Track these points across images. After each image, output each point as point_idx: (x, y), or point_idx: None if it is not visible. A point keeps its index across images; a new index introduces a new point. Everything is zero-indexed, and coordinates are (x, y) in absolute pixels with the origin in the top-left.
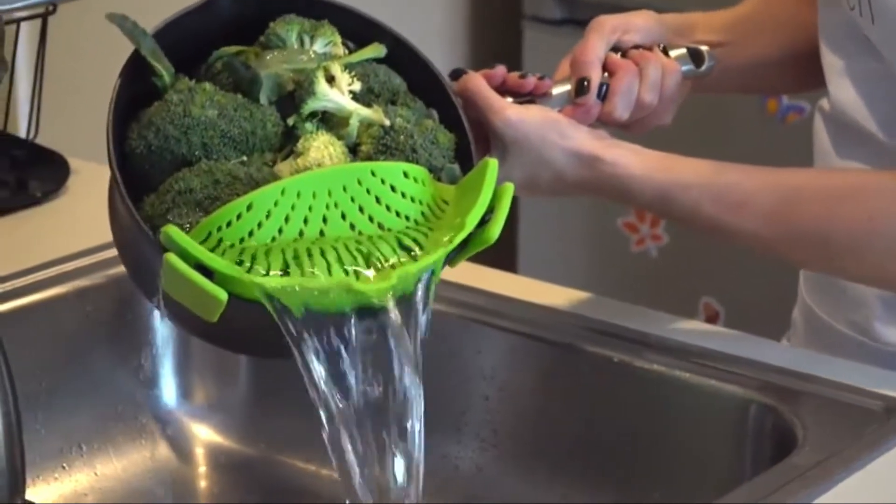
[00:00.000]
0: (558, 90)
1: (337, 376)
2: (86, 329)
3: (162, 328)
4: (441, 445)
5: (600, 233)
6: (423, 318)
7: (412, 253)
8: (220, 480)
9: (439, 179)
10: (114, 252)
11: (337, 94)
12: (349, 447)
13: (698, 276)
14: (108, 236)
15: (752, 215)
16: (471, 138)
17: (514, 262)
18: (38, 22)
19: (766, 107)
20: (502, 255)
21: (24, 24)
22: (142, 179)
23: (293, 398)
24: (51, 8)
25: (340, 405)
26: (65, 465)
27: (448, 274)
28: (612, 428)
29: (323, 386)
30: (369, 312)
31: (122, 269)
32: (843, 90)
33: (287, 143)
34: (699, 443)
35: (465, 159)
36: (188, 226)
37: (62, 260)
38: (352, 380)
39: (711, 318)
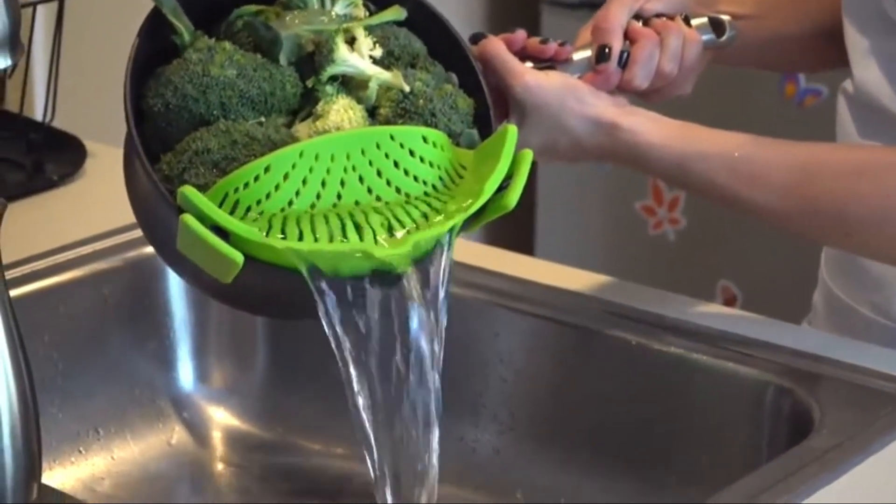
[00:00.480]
0: (579, 56)
1: (355, 340)
2: (103, 312)
3: (179, 311)
4: (458, 428)
5: (618, 216)
6: (442, 284)
7: (429, 219)
8: (236, 463)
9: (458, 144)
10: (131, 235)
11: (356, 58)
12: (369, 411)
13: (716, 260)
14: (124, 220)
15: (769, 188)
16: (490, 103)
17: (532, 245)
18: (55, 5)
19: (784, 90)
20: (520, 238)
21: (40, 8)
22: (158, 137)
23: (310, 381)
24: None
25: (358, 366)
26: (81, 448)
27: (465, 257)
28: (630, 411)
29: (346, 349)
30: (387, 276)
31: (139, 252)
32: (868, 71)
33: (306, 105)
34: (716, 425)
35: (483, 124)
36: (205, 186)
37: (79, 243)
38: (370, 343)
39: (729, 302)
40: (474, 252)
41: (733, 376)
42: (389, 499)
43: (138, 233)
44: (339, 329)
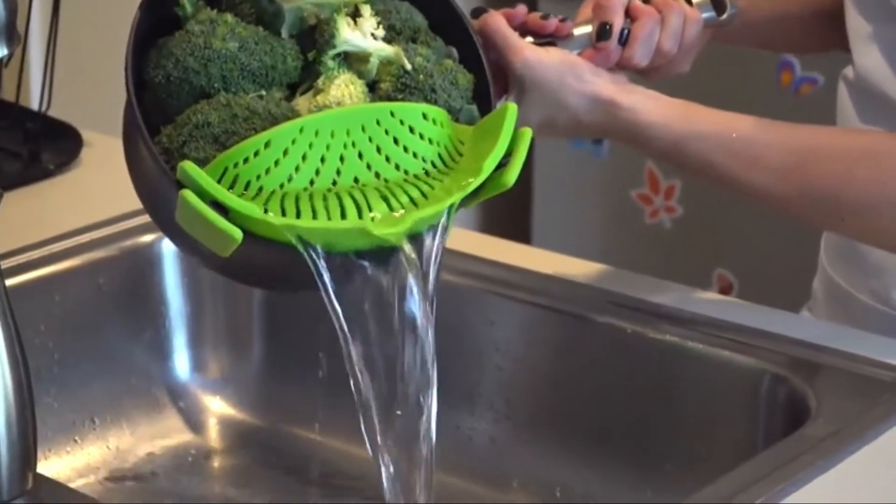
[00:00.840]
0: (579, 32)
1: (352, 312)
2: (99, 302)
3: (175, 301)
4: (454, 417)
5: (614, 204)
6: (435, 261)
7: (428, 197)
8: (232, 452)
9: (457, 120)
10: (127, 224)
11: (358, 36)
12: (368, 383)
13: (712, 248)
14: (121, 209)
15: (766, 171)
16: (490, 78)
17: (528, 234)
18: None
19: (780, 79)
20: (516, 227)
21: None
22: (158, 108)
23: (305, 370)
24: None
25: (355, 339)
26: (77, 438)
27: (462, 245)
28: (626, 399)
29: (343, 322)
30: (382, 252)
31: (135, 241)
32: (868, 57)
33: (307, 77)
34: (712, 414)
35: (483, 99)
36: (204, 160)
37: (75, 233)
38: (367, 317)
39: (725, 290)
40: (470, 240)
41: (729, 365)
42: (386, 483)
43: (134, 222)
44: (336, 303)
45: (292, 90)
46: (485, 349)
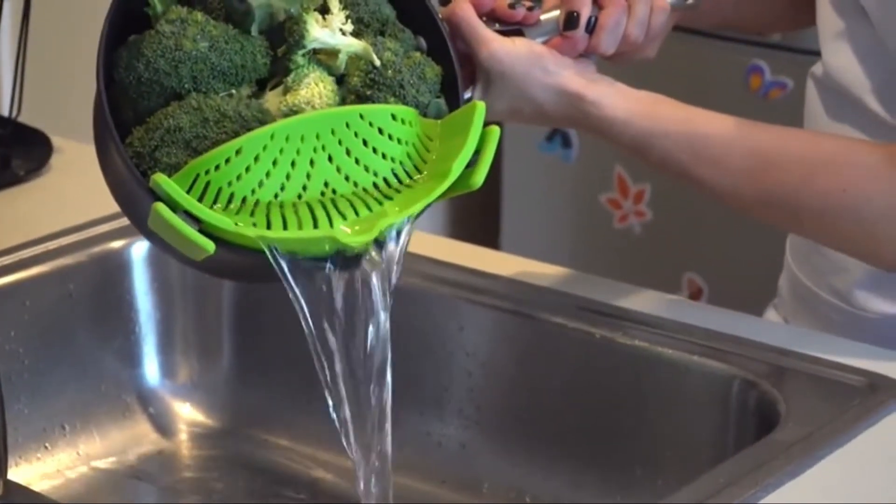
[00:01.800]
0: (546, 18)
1: (319, 313)
2: (69, 308)
3: (145, 307)
4: (424, 422)
5: (583, 209)
6: (398, 263)
7: (395, 200)
8: (203, 458)
9: (425, 115)
10: (97, 231)
11: (327, 33)
12: (337, 379)
13: (682, 253)
14: (90, 215)
15: (727, 172)
16: (457, 68)
17: (497, 239)
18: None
19: (749, 83)
20: (485, 232)
21: (6, 2)
22: (128, 104)
23: (275, 377)
24: None
25: (321, 339)
26: (48, 444)
27: (430, 250)
28: (596, 404)
29: (310, 322)
30: (349, 257)
31: (105, 247)
32: (838, 55)
33: (276, 72)
34: (682, 419)
35: (451, 88)
36: (176, 165)
37: (44, 239)
38: (333, 317)
39: (695, 295)
40: (440, 245)
41: (699, 369)
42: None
43: (104, 228)
44: (304, 304)
45: (261, 85)
46: (454, 354)
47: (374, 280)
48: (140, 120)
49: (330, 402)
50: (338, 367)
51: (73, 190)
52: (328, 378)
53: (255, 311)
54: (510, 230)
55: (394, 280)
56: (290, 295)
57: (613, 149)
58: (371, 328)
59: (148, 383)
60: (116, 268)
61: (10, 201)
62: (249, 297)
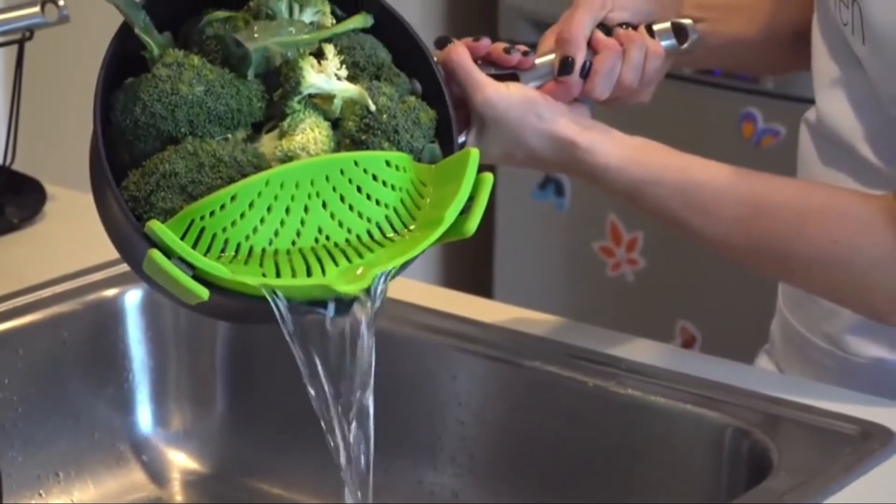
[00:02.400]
0: (541, 62)
1: (313, 353)
2: (62, 356)
3: (138, 355)
4: (416, 471)
5: (576, 257)
6: (379, 301)
7: (387, 248)
8: None
9: (419, 159)
10: (90, 279)
11: (323, 79)
12: (329, 411)
13: (675, 300)
14: (84, 263)
15: (718, 221)
16: (452, 112)
17: (490, 287)
18: (15, 48)
19: (742, 130)
20: (478, 280)
21: (0, 50)
22: (124, 144)
23: (269, 425)
24: (27, 34)
25: (314, 378)
26: (42, 492)
27: (423, 299)
28: (588, 453)
29: (304, 361)
30: (343, 301)
31: (98, 295)
32: (832, 101)
33: (271, 114)
34: (675, 467)
35: (445, 131)
36: (171, 210)
37: (38, 287)
38: (326, 355)
39: (688, 343)
40: (432, 295)
41: (691, 418)
42: None
43: (98, 276)
44: (298, 345)
45: (256, 128)
46: (447, 403)
47: (362, 320)
48: (136, 162)
49: (332, 444)
50: (332, 406)
51: (67, 238)
52: (329, 418)
53: (248, 360)
54: (503, 278)
55: (373, 315)
56: (287, 336)
57: (606, 197)
58: (359, 366)
59: (141, 431)
60: (110, 316)
61: (4, 249)
62: (243, 346)
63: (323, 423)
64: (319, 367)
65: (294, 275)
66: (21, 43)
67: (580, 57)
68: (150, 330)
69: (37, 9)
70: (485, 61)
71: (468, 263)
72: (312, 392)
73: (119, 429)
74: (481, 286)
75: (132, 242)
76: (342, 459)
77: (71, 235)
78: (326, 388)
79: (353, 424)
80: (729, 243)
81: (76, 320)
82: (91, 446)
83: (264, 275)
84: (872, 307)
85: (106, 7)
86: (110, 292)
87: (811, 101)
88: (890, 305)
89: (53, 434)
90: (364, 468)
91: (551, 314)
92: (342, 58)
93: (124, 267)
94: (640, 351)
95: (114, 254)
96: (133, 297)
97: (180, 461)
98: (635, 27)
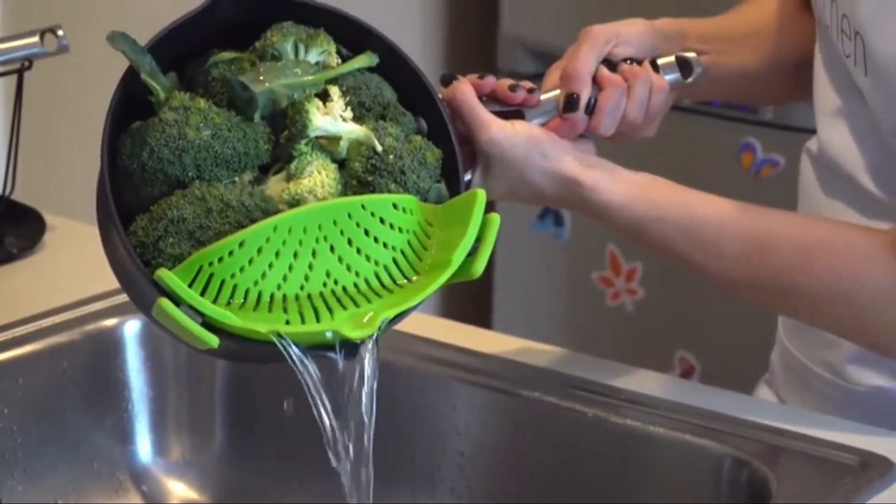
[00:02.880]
0: (546, 97)
1: (322, 388)
2: (61, 386)
3: (138, 385)
4: (416, 501)
5: (575, 287)
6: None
7: (394, 293)
8: None
9: (426, 200)
10: (89, 309)
11: (329, 121)
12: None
13: (674, 331)
14: (83, 293)
15: (721, 257)
16: (457, 150)
17: (490, 317)
18: (14, 77)
19: (741, 160)
20: (478, 311)
21: (0, 80)
22: (130, 188)
23: (268, 455)
24: (27, 64)
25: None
26: None
27: (423, 330)
28: (588, 484)
29: (318, 398)
30: (349, 345)
31: (98, 325)
32: (834, 132)
33: (278, 155)
34: (674, 497)
35: (451, 168)
36: (180, 256)
37: (37, 317)
38: (333, 391)
39: (687, 373)
40: (432, 325)
41: (690, 448)
42: None
43: (97, 306)
44: (314, 386)
45: (263, 168)
46: (447, 433)
47: (367, 358)
48: (142, 205)
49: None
50: (338, 441)
51: (67, 268)
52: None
53: (247, 390)
54: (502, 308)
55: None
56: (301, 378)
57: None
58: (364, 400)
59: (141, 461)
60: (109, 346)
61: (3, 279)
62: (242, 376)
63: (332, 458)
64: (327, 404)
65: (303, 320)
66: (20, 73)
67: (585, 94)
68: (149, 360)
69: (36, 38)
70: (489, 98)
71: (468, 294)
72: (324, 427)
73: (118, 458)
74: (481, 316)
75: (141, 288)
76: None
77: (70, 265)
78: (329, 422)
79: (352, 457)
80: (732, 279)
81: (76, 350)
82: (91, 476)
83: (274, 322)
84: (875, 341)
85: (105, 38)
86: (110, 322)
87: (810, 131)
88: (893, 339)
89: (53, 463)
90: (364, 497)
91: (551, 344)
92: (347, 99)
93: (124, 297)
94: (640, 381)
95: (113, 284)
96: (132, 328)
97: (180, 491)
98: (640, 62)
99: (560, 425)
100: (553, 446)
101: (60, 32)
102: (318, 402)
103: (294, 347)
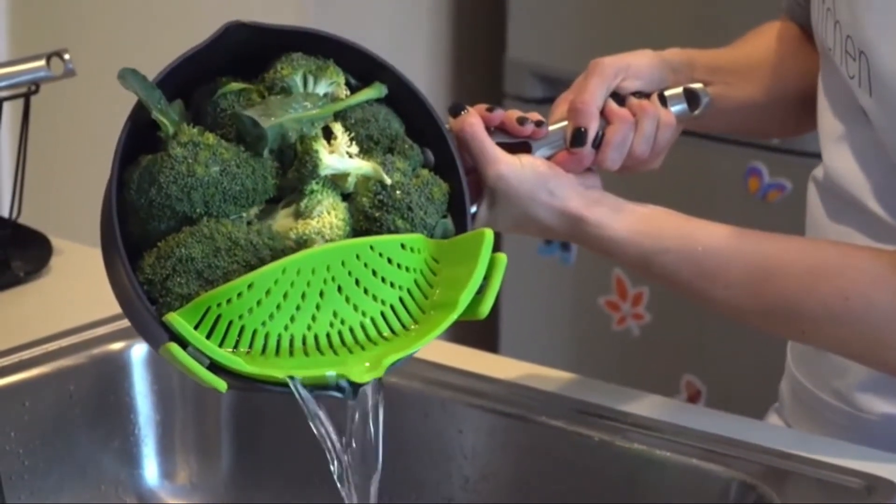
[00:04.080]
0: (554, 128)
1: (329, 430)
2: (68, 409)
3: (144, 408)
4: None
5: (582, 311)
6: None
7: (400, 335)
8: None
9: (432, 235)
10: (96, 332)
11: (336, 159)
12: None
13: (680, 355)
14: (90, 316)
15: (727, 285)
16: (465, 185)
17: (496, 342)
18: (21, 101)
19: (748, 185)
20: (484, 335)
21: (6, 104)
22: (136, 221)
23: (273, 478)
24: (33, 87)
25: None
26: None
27: (429, 354)
28: None
29: (321, 429)
30: (354, 386)
31: (104, 349)
32: (839, 158)
33: (284, 185)
34: None
35: (458, 201)
36: (188, 296)
37: (44, 340)
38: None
39: (693, 397)
40: (438, 349)
41: (696, 472)
42: None
43: (104, 330)
44: (317, 421)
45: (269, 199)
46: (454, 457)
47: (372, 401)
48: (148, 238)
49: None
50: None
51: (73, 291)
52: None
53: (253, 414)
54: (509, 332)
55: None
56: (309, 416)
57: None
58: (370, 431)
59: (147, 484)
60: (116, 369)
61: (10, 302)
62: (248, 400)
63: (341, 489)
64: (334, 438)
65: (311, 362)
66: (27, 97)
67: (593, 128)
68: (156, 383)
69: (42, 62)
70: (497, 129)
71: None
72: (331, 461)
73: (125, 482)
74: (487, 341)
75: (148, 327)
76: None
77: (77, 289)
78: (337, 454)
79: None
80: (739, 307)
81: (82, 374)
82: (97, 499)
83: (283, 367)
84: (885, 362)
85: (112, 61)
86: (116, 346)
87: (816, 156)
88: None
89: (59, 487)
90: None
91: (557, 368)
92: (351, 134)
93: None
94: (646, 405)
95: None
96: (139, 351)
97: None
98: (648, 95)
99: (566, 449)
100: (559, 470)
101: (67, 56)
102: (326, 439)
103: (301, 388)
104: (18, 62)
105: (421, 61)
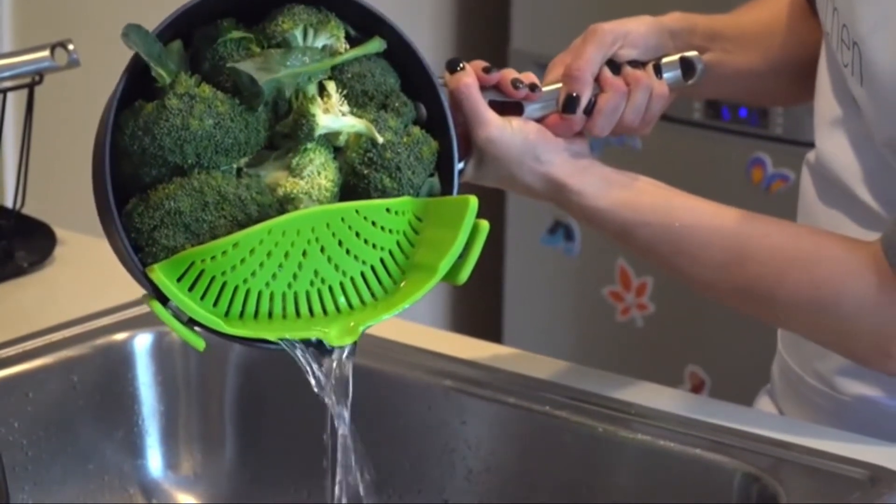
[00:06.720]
0: (547, 89)
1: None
2: (72, 399)
3: (148, 398)
4: None
5: (585, 302)
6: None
7: (379, 299)
8: None
9: (417, 194)
10: (100, 322)
11: (331, 118)
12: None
13: (684, 345)
14: (94, 307)
15: (705, 265)
16: (455, 142)
17: (500, 332)
18: (25, 91)
19: (751, 176)
20: (487, 325)
21: (10, 95)
22: (128, 163)
23: (278, 468)
24: (37, 78)
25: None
26: None
27: (432, 343)
28: (599, 499)
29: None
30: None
31: (108, 339)
32: (832, 141)
33: (278, 135)
34: None
35: (446, 157)
36: (174, 249)
37: (48, 330)
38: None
39: (697, 387)
40: (441, 339)
41: (701, 463)
42: None
43: (107, 320)
44: (316, 374)
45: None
46: (457, 448)
47: (346, 360)
48: (138, 178)
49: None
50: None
51: (77, 282)
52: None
53: (257, 404)
54: (512, 323)
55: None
56: (311, 381)
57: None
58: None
59: (151, 475)
60: (120, 360)
61: (14, 293)
62: (252, 390)
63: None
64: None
65: (288, 318)
66: (31, 87)
67: (585, 96)
68: (159, 374)
69: (46, 53)
70: (491, 87)
71: (477, 308)
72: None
73: (129, 472)
74: (491, 331)
75: (135, 274)
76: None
77: (81, 279)
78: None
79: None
80: (715, 286)
81: (86, 364)
82: (101, 490)
83: (260, 329)
84: (854, 352)
85: (116, 51)
86: (120, 336)
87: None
88: (871, 351)
89: (63, 477)
90: None
91: (561, 359)
92: (345, 91)
93: (134, 311)
94: (650, 396)
95: (124, 298)
96: (143, 341)
97: None
98: (643, 64)
99: (570, 440)
100: (563, 461)
101: (71, 47)
102: (321, 382)
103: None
104: (22, 53)
105: (424, 52)
